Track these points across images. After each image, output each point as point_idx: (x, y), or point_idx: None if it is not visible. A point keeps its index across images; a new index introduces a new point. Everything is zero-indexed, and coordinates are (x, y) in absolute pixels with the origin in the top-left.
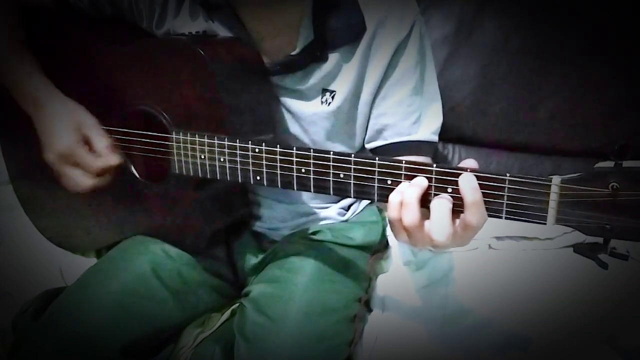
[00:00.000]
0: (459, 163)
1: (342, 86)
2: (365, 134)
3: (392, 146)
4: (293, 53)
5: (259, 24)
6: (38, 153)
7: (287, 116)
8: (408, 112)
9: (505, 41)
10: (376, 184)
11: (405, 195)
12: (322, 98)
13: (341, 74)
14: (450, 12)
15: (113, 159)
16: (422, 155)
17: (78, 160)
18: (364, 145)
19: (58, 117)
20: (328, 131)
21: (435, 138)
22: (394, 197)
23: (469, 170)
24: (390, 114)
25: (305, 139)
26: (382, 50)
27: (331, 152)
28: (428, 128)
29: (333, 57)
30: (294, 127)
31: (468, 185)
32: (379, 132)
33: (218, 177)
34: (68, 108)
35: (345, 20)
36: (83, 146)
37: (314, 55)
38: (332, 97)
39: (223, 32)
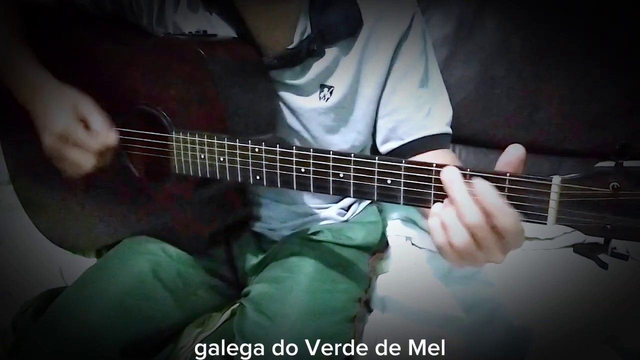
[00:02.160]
0: (458, 163)
1: (340, 82)
2: (374, 135)
3: (409, 145)
4: (290, 47)
5: (257, 17)
6: (38, 152)
7: (286, 112)
8: (419, 105)
9: (505, 41)
10: (376, 184)
11: (443, 216)
12: (320, 93)
13: (339, 69)
14: (450, 12)
15: (110, 138)
16: (442, 149)
17: (77, 139)
18: (375, 148)
19: (53, 100)
20: (328, 127)
21: (450, 129)
22: (433, 222)
23: (469, 170)
24: (401, 108)
25: (305, 135)
26: (383, 45)
27: (331, 152)
28: (442, 120)
29: (330, 52)
30: (293, 123)
31: (445, 177)
32: (392, 131)
33: (218, 177)
34: (62, 90)
35: (341, 15)
36: (80, 125)
37: (311, 50)
38: (330, 93)
39: (221, 25)
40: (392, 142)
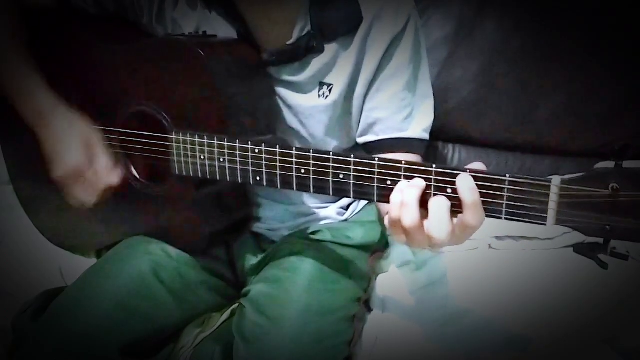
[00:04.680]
0: (459, 163)
1: (338, 79)
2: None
3: (383, 142)
4: (289, 42)
5: (257, 14)
6: (38, 152)
7: (285, 110)
8: (400, 107)
9: (505, 41)
10: (375, 184)
11: (405, 195)
12: (319, 91)
13: (337, 66)
14: (450, 12)
15: (112, 179)
16: (413, 153)
17: (85, 179)
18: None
19: (65, 133)
20: (326, 125)
21: (427, 136)
22: (395, 197)
23: (468, 170)
24: (382, 107)
25: (304, 133)
26: (378, 43)
27: (331, 153)
28: (419, 125)
29: (330, 49)
30: (292, 121)
31: (466, 185)
32: (370, 126)
33: (218, 178)
34: (73, 122)
35: (341, 12)
36: (90, 165)
37: (310, 46)
38: (330, 91)
39: (220, 22)
40: (367, 136)
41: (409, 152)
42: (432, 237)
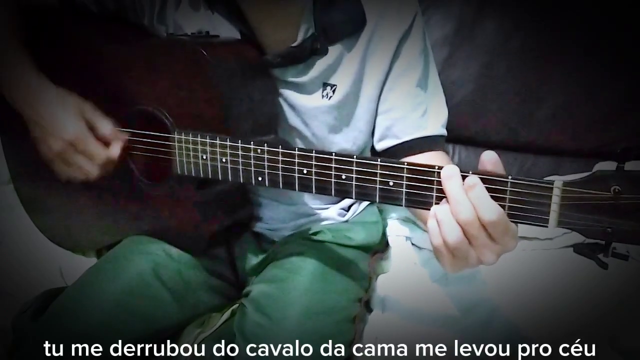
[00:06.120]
0: (459, 163)
1: (343, 80)
2: (373, 133)
3: (405, 144)
4: (293, 45)
5: (261, 16)
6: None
7: (288, 110)
8: (415, 104)
9: (505, 41)
10: (378, 186)
11: (438, 213)
12: (322, 92)
13: (342, 67)
14: (450, 12)
15: (117, 146)
16: (437, 150)
17: (86, 147)
18: (373, 147)
19: (57, 105)
20: (330, 126)
21: (445, 131)
22: (431, 223)
23: (470, 172)
24: (397, 107)
25: (307, 133)
26: (385, 43)
27: (333, 154)
28: (437, 121)
29: (334, 50)
30: (295, 121)
31: (444, 174)
32: (388, 129)
33: (220, 178)
34: (63, 96)
35: (345, 13)
36: (91, 134)
37: (314, 48)
38: (333, 91)
39: (224, 24)
40: (387, 140)
41: (431, 150)
42: (484, 219)
